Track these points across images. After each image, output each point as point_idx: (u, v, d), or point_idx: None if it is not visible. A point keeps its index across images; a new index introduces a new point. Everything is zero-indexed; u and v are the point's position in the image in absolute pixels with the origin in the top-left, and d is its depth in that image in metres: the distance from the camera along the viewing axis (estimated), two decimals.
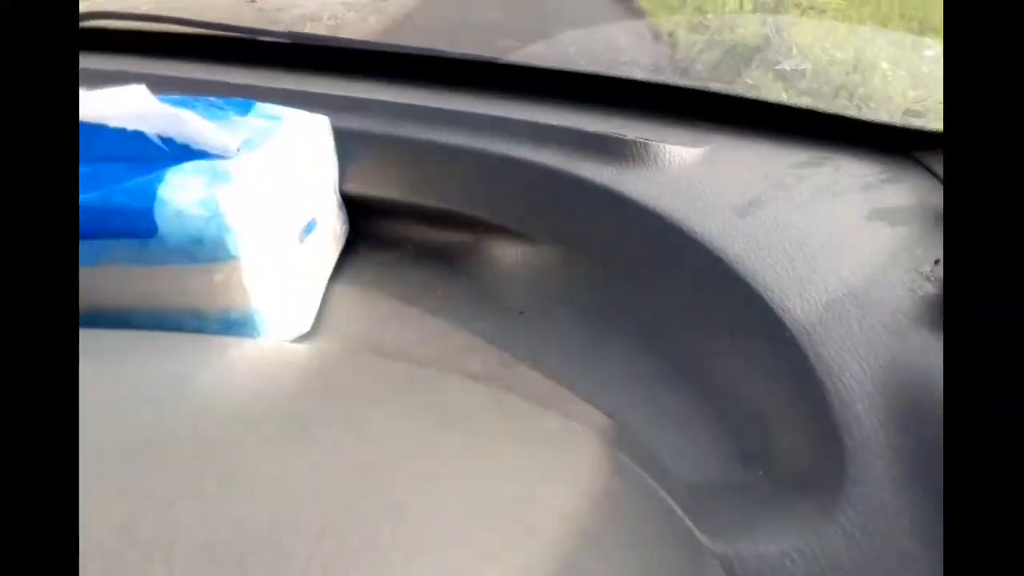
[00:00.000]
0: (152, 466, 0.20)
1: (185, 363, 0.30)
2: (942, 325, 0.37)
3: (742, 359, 0.39)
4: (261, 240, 0.36)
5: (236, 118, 0.43)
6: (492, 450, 0.28)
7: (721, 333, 0.41)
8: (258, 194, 0.36)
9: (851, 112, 0.61)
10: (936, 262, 0.41)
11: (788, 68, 0.62)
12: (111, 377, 0.27)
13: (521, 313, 0.48)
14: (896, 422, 0.30)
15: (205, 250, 0.33)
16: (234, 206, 0.33)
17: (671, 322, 0.44)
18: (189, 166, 0.35)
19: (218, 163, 0.36)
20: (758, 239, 0.43)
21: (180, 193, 0.33)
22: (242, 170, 0.36)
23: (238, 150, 0.40)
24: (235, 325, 0.37)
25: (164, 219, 0.32)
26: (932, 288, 0.39)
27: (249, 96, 0.48)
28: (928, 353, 0.33)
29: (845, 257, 0.42)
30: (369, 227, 0.55)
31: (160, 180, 0.33)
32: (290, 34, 0.66)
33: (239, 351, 0.34)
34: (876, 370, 0.33)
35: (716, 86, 0.62)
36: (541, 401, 0.41)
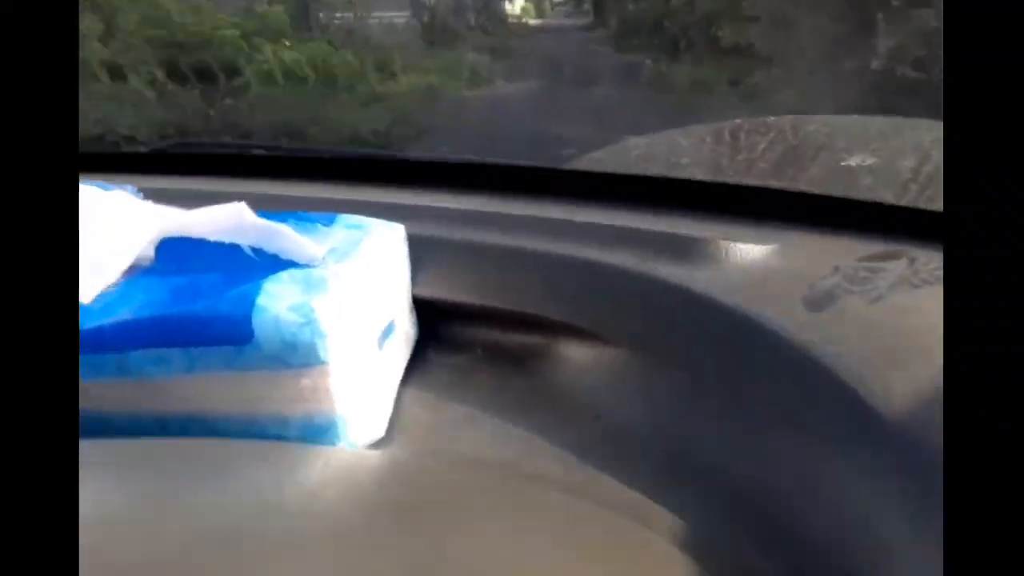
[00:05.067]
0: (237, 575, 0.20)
1: (267, 472, 0.30)
2: None
3: (842, 465, 0.36)
4: (348, 345, 0.37)
5: (323, 229, 0.46)
6: (572, 558, 0.27)
7: (815, 437, 0.38)
8: (347, 300, 0.37)
9: (922, 204, 0.60)
10: None
11: (854, 164, 0.62)
12: (193, 487, 0.27)
13: (598, 417, 0.46)
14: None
15: (297, 355, 0.34)
16: (326, 313, 0.34)
17: (758, 428, 0.41)
18: (285, 275, 0.36)
19: (312, 272, 0.37)
20: (840, 333, 0.41)
21: (277, 301, 0.34)
22: (333, 278, 0.37)
23: (324, 259, 0.42)
24: (318, 430, 0.36)
25: (261, 325, 0.33)
26: None
27: (331, 209, 0.51)
28: None
29: (933, 349, 0.40)
30: (440, 331, 0.55)
31: (258, 289, 0.35)
32: (363, 152, 0.71)
33: (320, 459, 0.34)
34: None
35: (780, 183, 0.62)
36: (620, 510, 0.38)
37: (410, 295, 0.52)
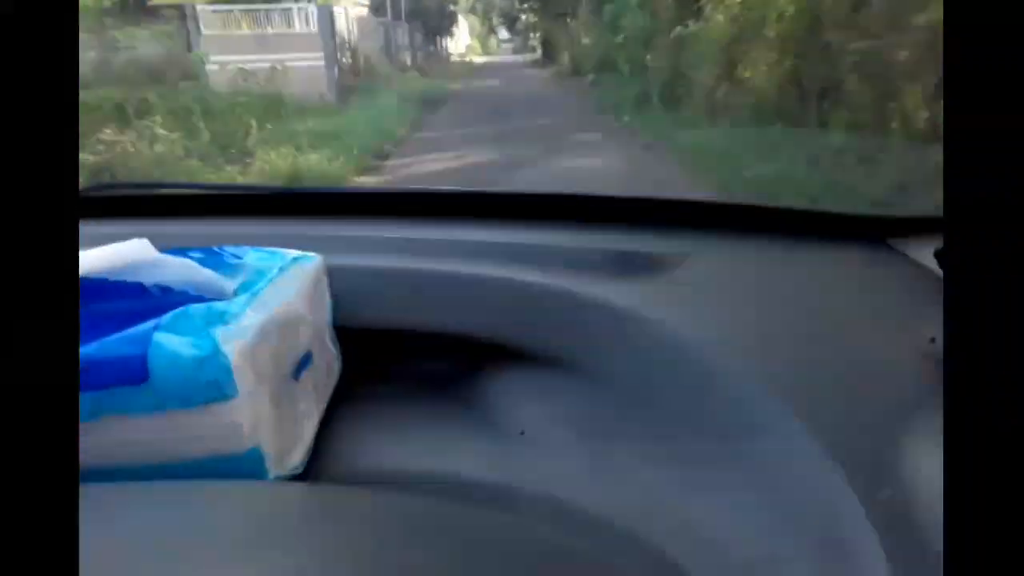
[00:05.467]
0: None
1: (186, 511, 0.29)
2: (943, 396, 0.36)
3: (752, 460, 0.38)
4: (257, 378, 0.36)
5: (234, 262, 0.45)
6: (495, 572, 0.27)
7: (727, 436, 0.40)
8: (253, 333, 0.36)
9: (825, 207, 0.65)
10: (931, 340, 0.42)
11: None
12: (111, 532, 0.26)
13: (522, 433, 0.47)
14: (911, 528, 0.29)
15: (201, 392, 0.33)
16: (229, 346, 0.34)
17: (674, 431, 0.43)
18: (186, 311, 0.35)
19: (215, 305, 0.37)
20: (753, 337, 0.44)
21: (175, 338, 0.33)
22: (239, 311, 0.37)
23: (235, 292, 0.41)
24: (233, 466, 0.35)
25: (158, 364, 0.32)
26: (931, 364, 0.39)
27: (250, 244, 0.50)
28: (929, 430, 0.33)
29: (840, 344, 0.43)
30: (366, 358, 0.55)
31: (156, 326, 0.34)
32: (278, 188, 0.71)
33: (241, 494, 0.33)
34: (881, 456, 0.32)
35: (695, 195, 0.66)
36: (544, 519, 0.39)
37: (331, 325, 0.52)
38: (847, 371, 0.40)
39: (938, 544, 0.27)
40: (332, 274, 0.52)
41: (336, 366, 0.52)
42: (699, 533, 0.36)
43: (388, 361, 0.55)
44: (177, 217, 0.67)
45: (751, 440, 0.38)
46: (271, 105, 5.53)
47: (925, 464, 0.31)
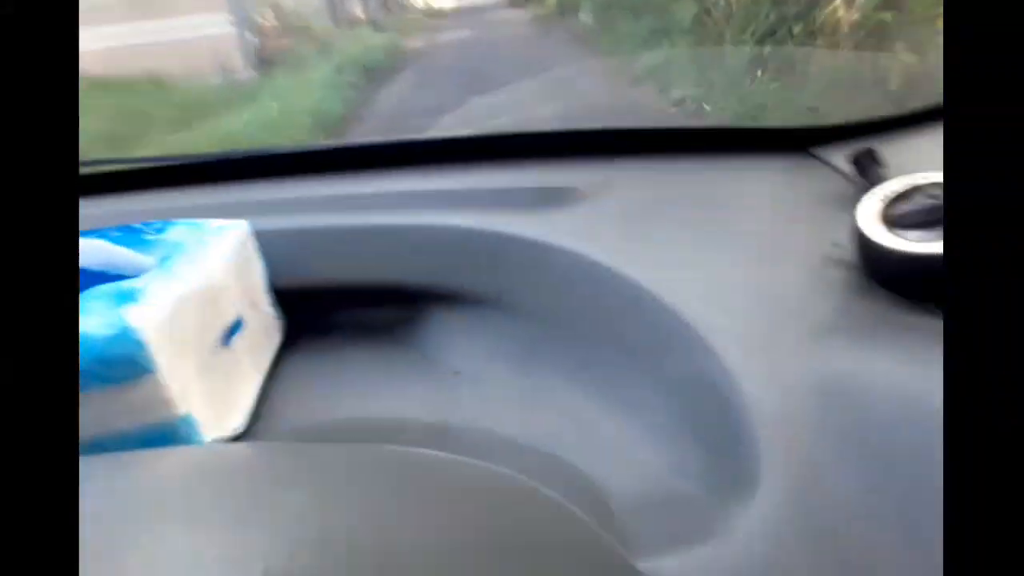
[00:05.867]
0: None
1: (123, 480, 0.30)
2: (850, 308, 0.38)
3: (664, 377, 0.40)
4: (178, 350, 0.37)
5: (152, 238, 0.45)
6: (443, 511, 0.28)
7: (643, 356, 0.42)
8: (166, 306, 0.37)
9: (747, 123, 0.64)
10: (834, 244, 0.43)
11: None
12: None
13: (456, 374, 0.49)
14: (807, 421, 0.31)
15: (117, 370, 0.34)
16: (141, 322, 0.35)
17: (595, 355, 0.45)
18: (94, 291, 0.36)
19: (124, 284, 0.37)
20: (672, 258, 0.45)
21: (85, 319, 0.34)
22: (150, 286, 0.37)
23: (153, 267, 0.42)
24: (170, 434, 0.37)
25: None
26: (835, 273, 0.40)
27: (172, 216, 0.50)
28: (833, 346, 0.34)
29: (752, 257, 0.44)
30: (307, 318, 0.56)
31: None
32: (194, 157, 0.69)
33: (180, 458, 0.34)
34: (787, 368, 0.33)
35: (616, 124, 0.65)
36: (478, 451, 0.41)
37: (266, 288, 0.53)
38: (758, 283, 0.41)
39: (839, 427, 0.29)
40: (266, 238, 0.53)
41: (277, 327, 0.53)
42: (617, 451, 0.38)
43: (329, 317, 0.56)
44: (95, 195, 0.66)
45: (665, 360, 0.40)
46: (137, 97, 3.71)
47: (828, 365, 0.32)
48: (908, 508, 0.26)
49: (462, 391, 0.47)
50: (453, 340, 0.52)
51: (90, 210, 0.62)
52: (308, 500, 0.26)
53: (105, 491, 0.27)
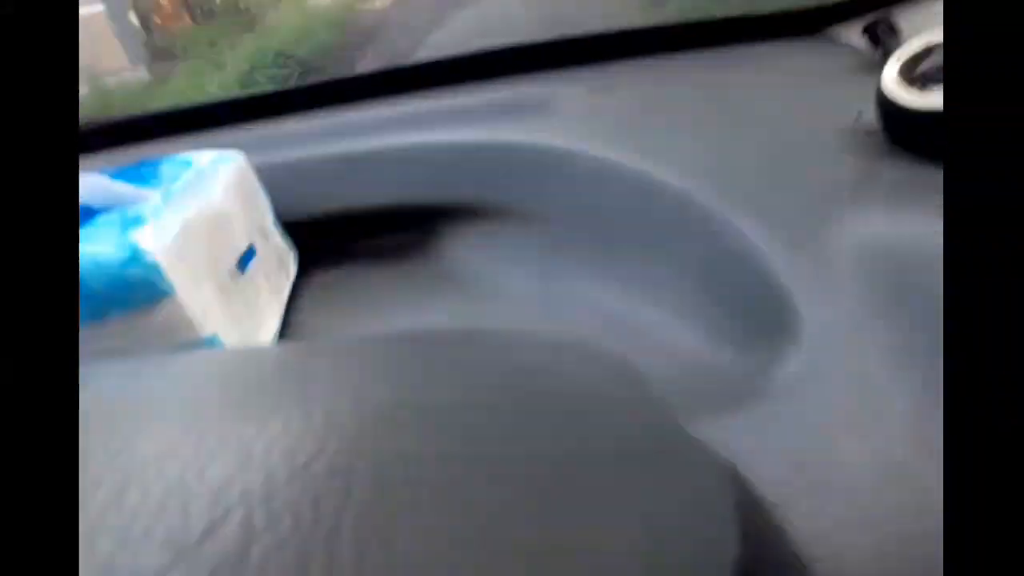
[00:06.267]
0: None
1: (161, 380, 0.30)
2: (877, 173, 0.36)
3: (687, 260, 0.39)
4: (193, 273, 0.37)
5: (151, 172, 0.44)
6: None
7: (662, 243, 0.41)
8: (173, 229, 0.36)
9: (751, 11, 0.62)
10: (858, 113, 0.42)
11: None
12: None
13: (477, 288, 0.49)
14: (840, 281, 0.30)
15: (136, 293, 0.34)
16: (152, 244, 0.34)
17: (614, 251, 0.44)
18: (100, 219, 0.35)
19: (129, 210, 0.36)
20: (685, 148, 0.44)
21: (94, 245, 0.33)
22: (154, 211, 0.37)
23: (156, 200, 0.41)
24: None
25: (85, 271, 0.33)
26: (860, 140, 0.39)
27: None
28: (861, 211, 0.33)
29: (768, 138, 0.43)
30: (318, 249, 0.55)
31: None
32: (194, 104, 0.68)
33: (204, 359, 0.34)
34: (815, 235, 0.33)
35: (604, 29, 0.63)
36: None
37: (273, 219, 0.52)
38: (776, 160, 0.40)
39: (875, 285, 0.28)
40: (268, 172, 0.52)
41: (291, 258, 0.53)
42: (649, 335, 0.38)
43: (341, 245, 0.56)
44: (93, 150, 0.65)
45: (685, 244, 0.39)
46: None
47: (858, 229, 0.31)
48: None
49: (485, 302, 0.47)
50: (470, 254, 0.51)
51: (83, 165, 0.61)
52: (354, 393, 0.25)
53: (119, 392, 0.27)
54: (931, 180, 0.34)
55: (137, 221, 0.35)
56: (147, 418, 0.16)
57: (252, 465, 0.12)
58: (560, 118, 0.51)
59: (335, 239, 0.56)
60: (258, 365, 0.26)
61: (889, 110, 0.38)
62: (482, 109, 0.56)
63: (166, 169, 0.45)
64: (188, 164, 0.45)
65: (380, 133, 0.56)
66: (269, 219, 0.51)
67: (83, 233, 0.34)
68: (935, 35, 0.39)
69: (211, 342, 0.37)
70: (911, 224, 0.32)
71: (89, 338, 0.35)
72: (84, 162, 0.64)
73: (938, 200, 0.32)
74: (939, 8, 0.57)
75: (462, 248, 0.52)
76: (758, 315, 0.32)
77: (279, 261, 0.50)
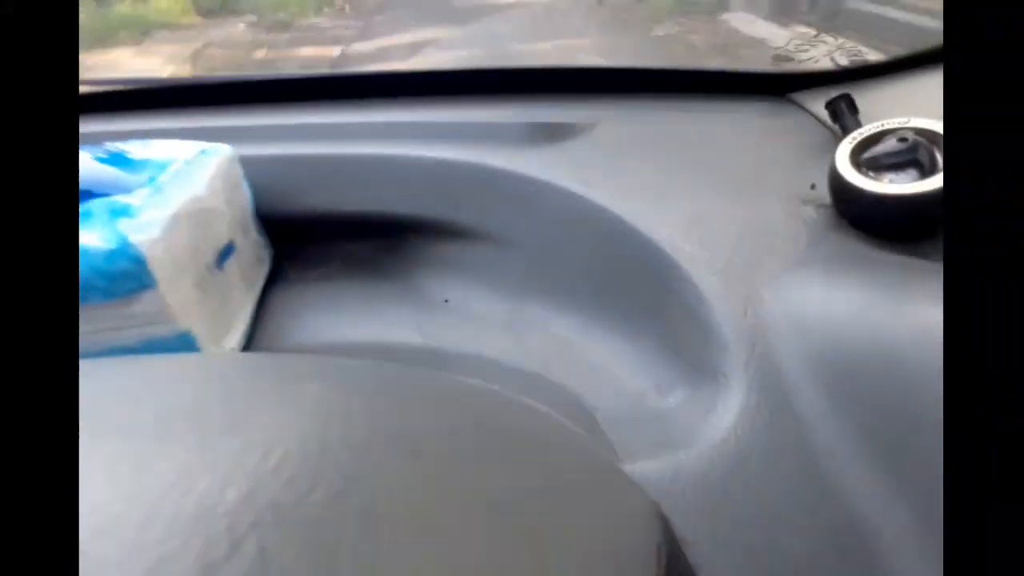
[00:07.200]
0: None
1: (126, 384, 0.31)
2: (824, 244, 0.40)
3: (646, 304, 0.42)
4: (175, 267, 0.37)
5: (138, 157, 0.45)
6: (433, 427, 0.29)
7: (626, 286, 0.44)
8: (161, 222, 0.37)
9: (727, 67, 0.66)
10: (812, 186, 0.45)
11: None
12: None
13: (446, 301, 0.50)
14: (778, 344, 0.33)
15: (118, 284, 0.34)
16: (138, 236, 0.35)
17: (579, 286, 0.47)
18: (87, 206, 0.36)
19: (116, 199, 0.37)
20: (652, 195, 0.46)
21: (82, 233, 0.34)
22: (142, 202, 0.37)
23: (142, 186, 0.41)
24: (170, 348, 0.38)
25: None
26: (811, 212, 0.43)
27: (155, 139, 0.49)
28: (805, 277, 0.36)
29: (731, 195, 0.46)
30: (295, 245, 0.56)
31: None
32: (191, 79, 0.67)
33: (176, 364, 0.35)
34: (762, 295, 0.36)
35: (597, 63, 0.65)
36: (465, 375, 0.43)
37: (254, 215, 0.53)
38: (735, 218, 0.43)
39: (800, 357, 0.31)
40: (251, 164, 0.52)
41: (266, 254, 0.54)
42: (603, 372, 0.41)
43: (317, 246, 0.57)
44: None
45: (647, 289, 0.42)
46: None
47: (801, 294, 0.34)
48: (872, 424, 0.28)
49: (450, 319, 0.48)
50: (441, 271, 0.53)
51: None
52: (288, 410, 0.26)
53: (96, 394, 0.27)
54: (873, 254, 0.38)
55: (126, 211, 0.36)
56: (155, 433, 0.18)
57: (261, 491, 0.14)
58: (544, 148, 0.53)
59: (309, 239, 0.57)
60: (251, 376, 0.27)
61: (840, 188, 0.41)
62: (468, 127, 0.57)
63: (155, 156, 0.45)
64: (179, 152, 0.45)
65: (367, 138, 0.57)
66: (250, 214, 0.52)
67: None
68: (889, 122, 0.43)
69: (184, 339, 0.37)
70: (849, 295, 0.35)
71: None
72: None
73: (878, 273, 0.36)
74: (898, 92, 0.62)
75: (434, 264, 0.54)
76: (703, 366, 0.35)
77: (256, 257, 0.51)
